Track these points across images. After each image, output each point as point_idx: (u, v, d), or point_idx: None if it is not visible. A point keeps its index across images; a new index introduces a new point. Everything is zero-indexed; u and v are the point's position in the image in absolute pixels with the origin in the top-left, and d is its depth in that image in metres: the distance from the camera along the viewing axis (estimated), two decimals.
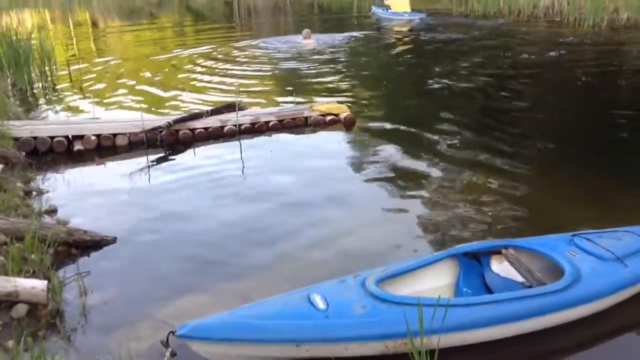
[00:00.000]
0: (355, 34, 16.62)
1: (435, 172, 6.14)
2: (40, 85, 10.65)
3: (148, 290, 4.06)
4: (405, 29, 17.11)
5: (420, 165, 6.37)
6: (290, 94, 9.60)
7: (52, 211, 5.18)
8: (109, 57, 14.51)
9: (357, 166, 6.45)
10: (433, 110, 8.74)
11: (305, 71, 11.68)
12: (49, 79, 10.85)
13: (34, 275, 3.98)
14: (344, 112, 7.94)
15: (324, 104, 8.16)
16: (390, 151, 6.87)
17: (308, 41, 14.72)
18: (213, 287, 4.07)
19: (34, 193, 5.59)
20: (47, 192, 5.70)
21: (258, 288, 3.98)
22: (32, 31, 11.58)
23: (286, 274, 4.21)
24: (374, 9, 19.73)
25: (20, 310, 3.58)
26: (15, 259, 3.95)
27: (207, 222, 5.11)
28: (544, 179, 6.04)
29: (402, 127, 7.81)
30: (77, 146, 6.86)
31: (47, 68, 10.98)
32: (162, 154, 7.04)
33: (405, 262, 3.70)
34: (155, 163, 6.74)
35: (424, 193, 5.62)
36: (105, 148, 7.02)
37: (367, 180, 5.97)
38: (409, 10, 17.88)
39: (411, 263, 3.63)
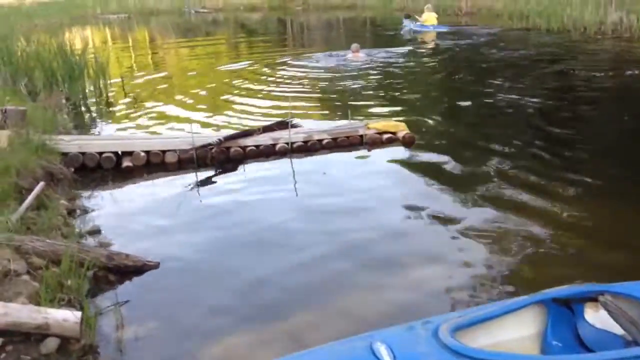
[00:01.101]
0: (404, 49, 16.20)
1: (505, 202, 5.49)
2: (94, 100, 10.61)
3: (191, 325, 3.67)
4: (452, 42, 17.03)
5: (487, 192, 5.73)
6: (342, 110, 9.22)
7: (95, 232, 4.91)
8: (164, 72, 14.54)
9: (418, 192, 5.87)
10: (497, 130, 8.14)
11: (356, 87, 11.27)
12: (103, 94, 10.81)
13: (69, 303, 3.66)
14: (402, 130, 7.46)
15: (380, 122, 7.71)
16: (452, 175, 6.33)
17: (357, 55, 14.41)
18: (263, 325, 3.65)
19: (78, 212, 5.36)
20: (92, 210, 5.45)
21: (312, 329, 3.55)
22: (87, 46, 11.60)
23: (343, 313, 3.76)
24: (404, 21, 21.50)
25: (50, 344, 3.25)
26: (49, 286, 3.65)
27: (258, 251, 4.71)
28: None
29: (464, 148, 7.23)
30: (126, 162, 6.64)
31: (101, 83, 10.95)
32: (212, 172, 6.74)
33: (483, 307, 3.18)
34: (205, 182, 6.44)
35: (494, 225, 5.00)
36: (154, 165, 6.77)
37: (429, 209, 5.35)
38: (435, 23, 20.11)
39: (491, 309, 3.10)
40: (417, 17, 20.68)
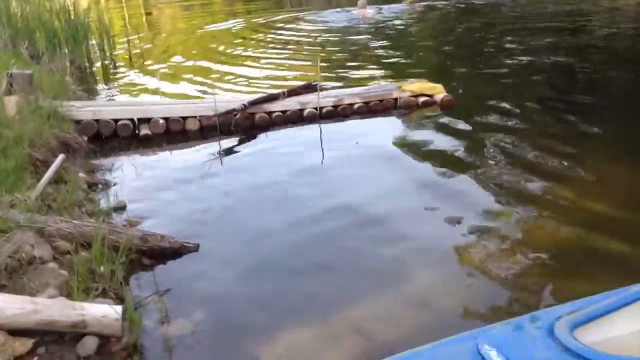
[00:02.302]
0: (413, 4, 15.56)
1: (572, 179, 4.80)
2: (99, 63, 9.98)
3: (243, 317, 3.21)
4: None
5: (549, 167, 5.05)
6: (368, 71, 8.67)
7: (121, 208, 4.42)
8: (164, 31, 14.01)
9: (466, 164, 5.23)
10: (541, 89, 7.59)
11: (375, 46, 10.66)
12: (108, 55, 10.17)
13: (103, 294, 3.20)
14: (440, 92, 6.91)
15: (415, 83, 7.14)
16: (505, 145, 5.61)
17: (364, 11, 13.82)
18: (322, 315, 3.19)
19: (99, 185, 4.86)
20: (114, 184, 4.96)
21: (378, 320, 3.11)
22: (89, 7, 10.90)
23: (413, 302, 3.30)
24: None
25: (89, 345, 2.78)
26: (81, 274, 3.18)
27: (303, 227, 4.22)
28: None
29: (511, 113, 6.57)
30: (144, 130, 6.11)
31: (105, 45, 10.30)
32: (236, 141, 6.22)
33: (594, 297, 2.72)
34: (230, 151, 5.93)
35: (565, 204, 4.42)
36: (174, 133, 6.24)
37: (481, 184, 4.77)
38: None
39: (608, 300, 2.65)
40: None
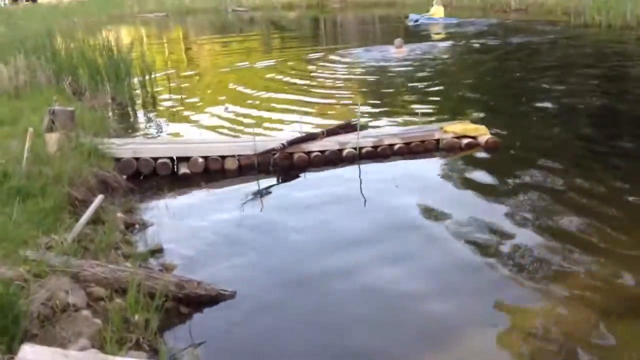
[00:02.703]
0: (445, 44, 15.67)
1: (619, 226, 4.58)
2: (140, 100, 10.09)
3: None
4: (484, 38, 16.75)
5: (597, 214, 4.81)
6: (407, 111, 8.52)
7: (158, 251, 4.31)
8: (203, 67, 14.25)
9: (512, 212, 4.96)
10: (586, 132, 7.33)
11: (414, 85, 10.54)
12: (149, 93, 10.29)
13: (137, 346, 3.06)
14: (484, 134, 6.69)
15: (457, 124, 6.94)
16: (554, 190, 5.37)
17: (401, 50, 13.96)
18: None
19: (137, 226, 4.77)
20: (151, 225, 4.86)
21: None
22: (132, 44, 11.10)
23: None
24: (411, 16, 22.53)
25: None
26: (115, 323, 3.04)
27: (342, 275, 4.04)
28: None
29: (557, 156, 6.30)
30: (183, 169, 6.05)
31: (147, 82, 10.43)
32: (274, 181, 6.12)
33: None
34: (269, 192, 5.81)
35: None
36: (212, 172, 6.17)
37: (531, 237, 4.45)
38: (443, 16, 21.52)
39: None
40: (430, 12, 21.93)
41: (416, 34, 18.46)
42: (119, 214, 4.79)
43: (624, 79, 10.59)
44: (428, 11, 22.05)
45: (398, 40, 14.29)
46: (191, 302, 3.59)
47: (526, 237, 4.47)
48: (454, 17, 21.99)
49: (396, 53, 13.87)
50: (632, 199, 5.04)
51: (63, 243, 3.57)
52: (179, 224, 5.01)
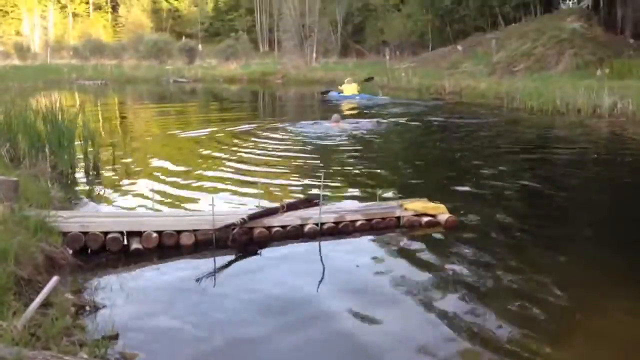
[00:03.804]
0: (383, 121, 16.41)
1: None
2: (83, 168, 9.63)
3: None
4: (414, 113, 18.47)
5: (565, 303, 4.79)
6: (360, 186, 8.53)
7: (114, 337, 3.90)
8: (142, 136, 14.17)
9: (476, 294, 4.86)
10: (538, 211, 7.53)
11: (360, 160, 10.72)
12: (92, 162, 9.84)
13: None
14: (443, 213, 6.72)
15: (417, 202, 6.96)
16: (512, 276, 5.28)
17: (337, 124, 14.75)
18: None
19: (88, 308, 4.34)
20: (103, 307, 4.43)
21: None
22: (78, 111, 10.70)
23: None
24: (330, 92, 25.04)
25: None
26: None
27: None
28: None
29: (514, 236, 6.46)
30: (135, 244, 5.68)
31: (90, 149, 10.00)
32: (232, 256, 5.84)
33: None
34: (226, 270, 5.51)
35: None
36: (167, 247, 5.82)
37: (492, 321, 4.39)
38: (357, 92, 23.93)
39: None
40: (339, 88, 24.61)
41: (358, 110, 19.20)
42: (68, 295, 4.36)
43: (558, 164, 11.11)
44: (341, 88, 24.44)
45: (335, 116, 15.04)
46: None
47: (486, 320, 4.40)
48: (387, 97, 24.35)
49: (334, 126, 14.36)
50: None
51: (12, 331, 3.15)
52: (133, 305, 4.61)
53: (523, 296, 4.80)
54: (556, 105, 17.69)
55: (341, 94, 23.94)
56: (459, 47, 35.62)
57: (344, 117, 16.19)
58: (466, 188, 8.62)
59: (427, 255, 5.91)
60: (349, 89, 24.04)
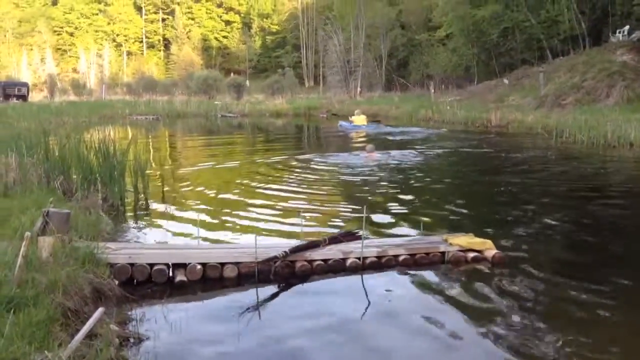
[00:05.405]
0: (409, 151, 16.61)
1: None
2: (133, 202, 9.88)
3: None
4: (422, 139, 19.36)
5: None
6: (403, 219, 8.43)
7: None
8: (190, 166, 14.60)
9: (525, 334, 4.72)
10: (593, 251, 7.23)
11: (401, 191, 10.67)
12: (142, 194, 10.10)
13: None
14: (490, 248, 6.56)
15: (461, 237, 6.82)
16: (562, 320, 5.11)
17: (372, 155, 14.97)
18: None
19: (131, 340, 4.39)
20: (147, 338, 4.48)
21: None
22: (129, 146, 11.04)
23: None
24: (341, 123, 27.53)
25: None
26: None
27: None
28: None
29: (564, 274, 6.17)
30: (179, 276, 5.74)
31: (140, 183, 10.27)
32: (275, 290, 5.83)
33: None
34: (268, 303, 5.51)
35: None
36: (210, 280, 5.87)
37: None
38: (366, 123, 26.36)
39: None
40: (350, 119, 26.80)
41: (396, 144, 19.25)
42: (113, 326, 4.42)
43: (611, 202, 10.69)
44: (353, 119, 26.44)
45: (369, 147, 15.30)
46: None
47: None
48: (375, 124, 27.17)
49: (367, 157, 14.69)
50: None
51: None
52: (176, 337, 4.64)
53: (572, 343, 4.59)
54: (607, 138, 17.18)
55: (353, 124, 26.15)
56: (505, 81, 35.30)
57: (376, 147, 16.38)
58: (513, 223, 8.39)
59: (473, 294, 5.72)
60: (359, 119, 26.32)
